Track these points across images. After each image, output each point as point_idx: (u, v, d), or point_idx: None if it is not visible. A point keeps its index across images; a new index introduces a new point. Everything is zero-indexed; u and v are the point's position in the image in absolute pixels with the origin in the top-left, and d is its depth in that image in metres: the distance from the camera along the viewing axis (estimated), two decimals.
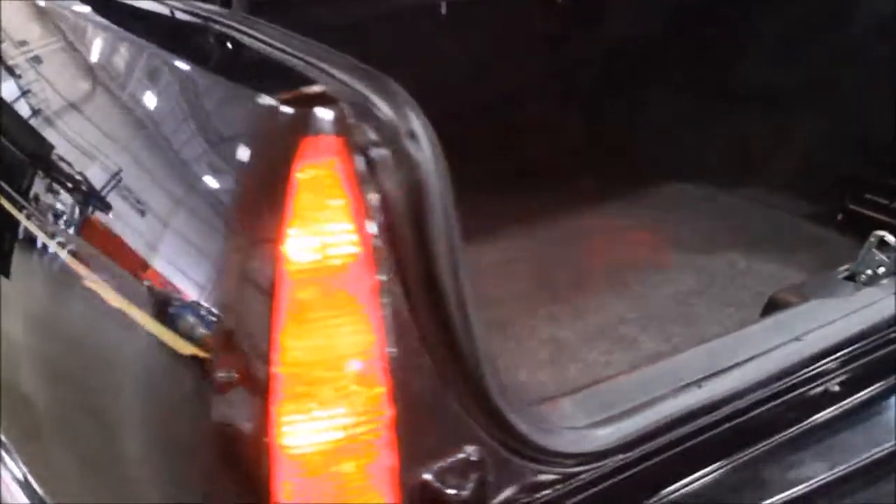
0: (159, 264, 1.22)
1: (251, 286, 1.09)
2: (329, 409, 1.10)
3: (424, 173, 1.16)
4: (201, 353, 1.14)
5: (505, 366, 2.03)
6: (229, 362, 1.10)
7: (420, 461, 1.19)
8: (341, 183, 1.09)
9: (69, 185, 1.44)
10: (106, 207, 1.35)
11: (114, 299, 1.30)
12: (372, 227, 1.11)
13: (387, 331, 1.12)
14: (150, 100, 1.37)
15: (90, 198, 1.38)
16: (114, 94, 1.44)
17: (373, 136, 1.13)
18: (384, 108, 1.16)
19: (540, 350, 2.12)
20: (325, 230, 1.08)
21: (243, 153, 1.13)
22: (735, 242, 2.54)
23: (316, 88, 1.15)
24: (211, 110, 1.24)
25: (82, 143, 1.45)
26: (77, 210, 1.43)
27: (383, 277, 1.12)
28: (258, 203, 1.09)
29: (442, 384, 1.20)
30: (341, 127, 1.09)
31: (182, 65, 1.34)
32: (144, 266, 1.26)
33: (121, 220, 1.32)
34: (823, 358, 1.66)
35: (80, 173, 1.42)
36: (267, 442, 1.08)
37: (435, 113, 1.21)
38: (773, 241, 2.54)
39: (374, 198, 1.12)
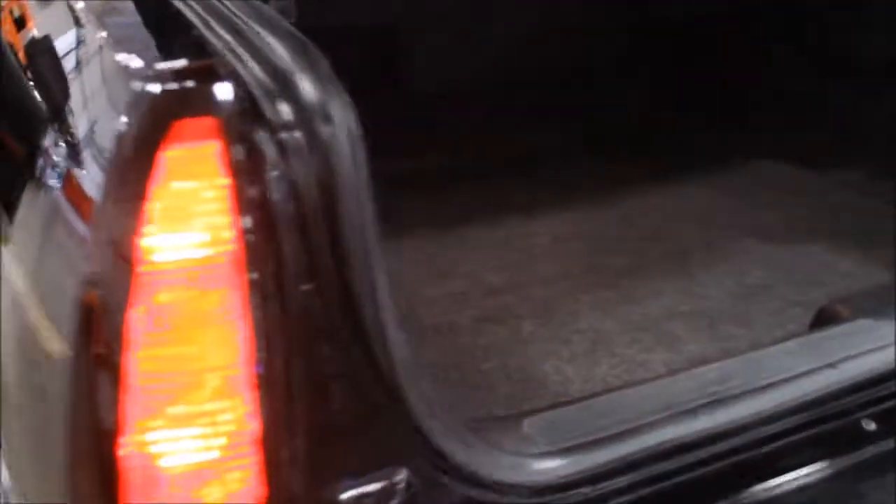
0: (26, 258, 1.14)
1: (108, 287, 0.99)
2: (187, 426, 1.00)
3: (335, 162, 1.03)
4: (61, 356, 1.05)
5: (533, 355, 1.93)
6: (86, 370, 1.01)
7: (327, 484, 1.08)
8: (218, 171, 0.97)
9: None
10: None
11: None
12: (250, 223, 0.99)
13: (259, 342, 1.00)
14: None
15: None
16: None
17: (277, 118, 1.01)
18: (297, 87, 1.04)
19: (575, 340, 1.98)
20: (193, 225, 0.97)
21: (115, 137, 1.01)
22: (819, 234, 2.31)
23: (198, 63, 1.02)
24: (106, 89, 1.14)
25: None
26: None
27: (256, 278, 1.00)
28: (123, 194, 0.98)
29: (352, 401, 1.09)
30: (222, 107, 0.97)
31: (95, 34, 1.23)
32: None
33: None
34: (858, 391, 1.45)
35: None
36: (115, 458, 0.99)
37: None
38: (863, 236, 2.29)
39: (258, 189, 0.99)
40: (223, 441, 1.01)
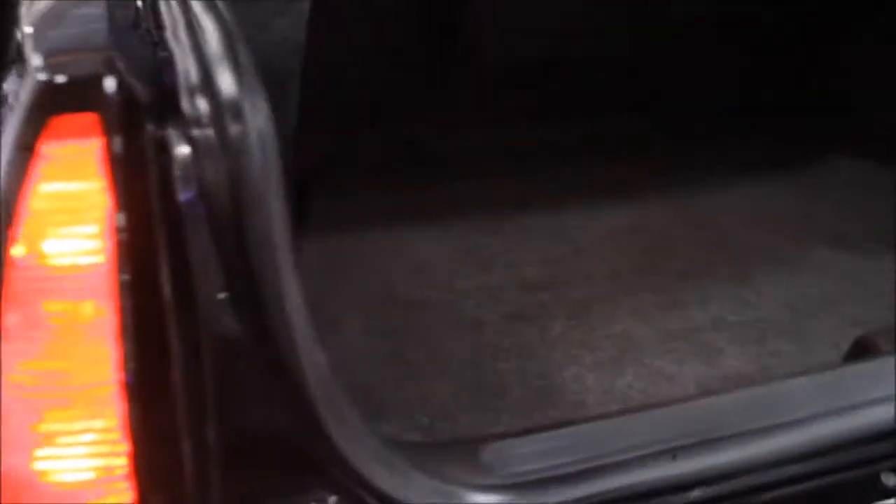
0: None
1: None
2: (62, 444, 0.94)
3: (241, 163, 0.95)
4: None
5: (556, 359, 1.81)
6: None
7: None
8: (96, 172, 0.90)
9: None
10: None
11: None
12: (131, 226, 0.91)
13: (128, 353, 0.92)
14: None
15: None
16: None
17: (190, 113, 0.94)
18: (216, 82, 0.96)
19: (603, 346, 1.85)
20: (67, 232, 0.90)
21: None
22: None
23: (90, 55, 0.93)
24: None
25: None
26: None
27: (132, 286, 0.92)
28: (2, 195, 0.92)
29: (255, 424, 1.01)
30: (109, 102, 0.90)
31: None
32: None
33: None
34: (881, 439, 1.28)
35: None
36: None
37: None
38: None
39: (142, 190, 0.91)
40: (100, 462, 0.95)
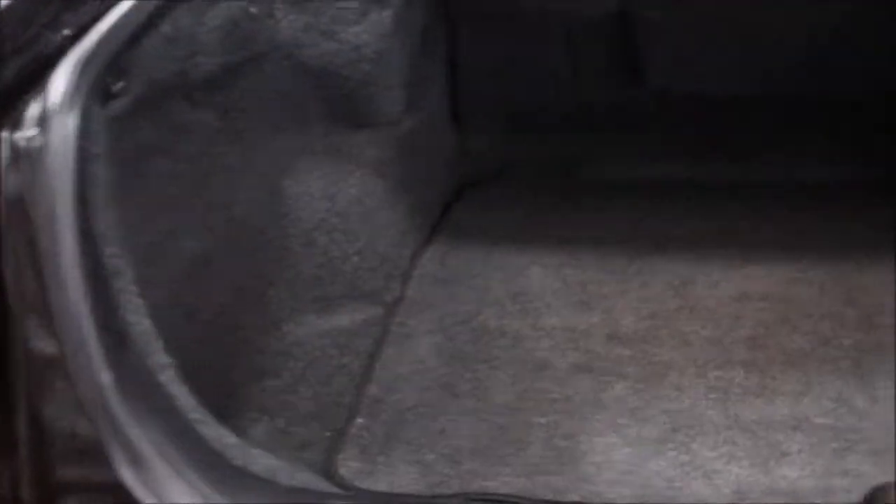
0: None
1: None
2: None
3: (42, 174, 0.94)
4: None
5: (595, 423, 1.66)
6: None
7: None
8: None
9: None
10: None
11: None
12: None
13: None
14: None
15: None
16: None
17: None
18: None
19: (656, 421, 1.66)
20: None
21: None
22: None
23: None
24: None
25: None
26: None
27: None
28: None
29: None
30: None
31: None
32: None
33: None
34: None
35: None
36: None
37: None
38: None
39: None
40: None
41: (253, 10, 1.63)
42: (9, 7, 1.07)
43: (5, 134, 0.97)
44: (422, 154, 2.12)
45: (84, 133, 0.99)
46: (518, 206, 2.28)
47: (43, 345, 0.99)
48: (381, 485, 1.56)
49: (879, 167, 2.23)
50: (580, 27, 2.19)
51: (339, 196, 1.82)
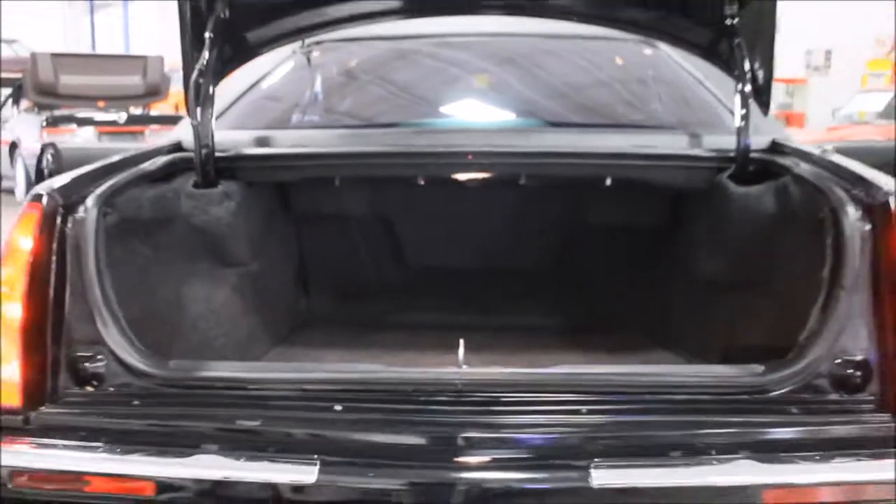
0: None
1: None
2: None
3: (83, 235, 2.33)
4: None
5: None
6: None
7: None
8: None
9: None
10: None
11: None
12: None
13: None
14: None
15: None
16: None
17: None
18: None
19: None
20: None
21: None
22: None
23: None
24: None
25: None
26: None
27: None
28: None
29: None
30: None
31: None
32: None
33: None
34: None
35: None
36: None
37: None
38: None
39: None
40: None
41: (169, 194, 2.96)
42: None
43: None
44: (267, 289, 3.41)
45: (97, 224, 2.34)
46: (342, 332, 3.51)
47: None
48: None
49: (558, 315, 3.63)
50: (363, 224, 3.64)
51: (213, 300, 3.09)
